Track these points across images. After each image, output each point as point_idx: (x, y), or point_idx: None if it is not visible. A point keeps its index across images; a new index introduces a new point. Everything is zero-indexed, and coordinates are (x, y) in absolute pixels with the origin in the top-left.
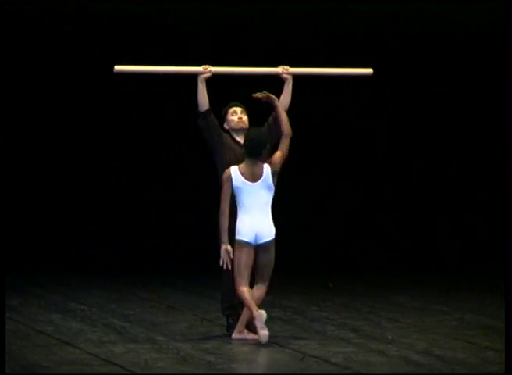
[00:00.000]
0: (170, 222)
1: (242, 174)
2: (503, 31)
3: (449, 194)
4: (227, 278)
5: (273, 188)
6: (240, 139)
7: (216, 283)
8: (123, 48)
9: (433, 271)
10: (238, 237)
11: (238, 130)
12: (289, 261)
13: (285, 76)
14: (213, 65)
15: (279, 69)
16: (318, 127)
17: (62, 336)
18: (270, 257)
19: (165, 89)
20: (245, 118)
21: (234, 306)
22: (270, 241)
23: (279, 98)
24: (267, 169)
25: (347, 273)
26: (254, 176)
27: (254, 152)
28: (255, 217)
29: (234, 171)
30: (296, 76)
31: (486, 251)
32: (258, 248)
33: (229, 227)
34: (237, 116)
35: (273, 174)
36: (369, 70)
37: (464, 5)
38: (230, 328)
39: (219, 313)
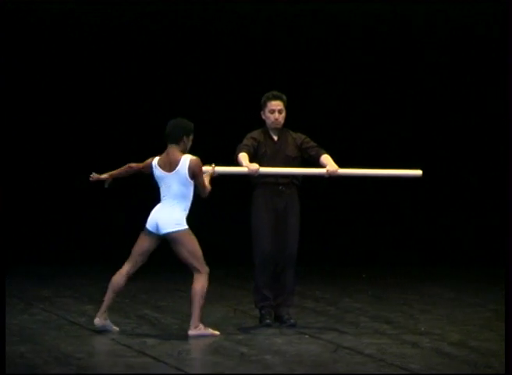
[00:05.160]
0: (202, 214)
1: (159, 165)
2: (503, 31)
3: (481, 187)
4: (260, 270)
5: (189, 183)
6: (274, 135)
7: (249, 274)
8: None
9: (466, 263)
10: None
11: (273, 129)
12: (323, 252)
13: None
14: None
15: (324, 171)
16: (326, 126)
17: (95, 327)
18: (181, 249)
19: (163, 92)
20: (282, 116)
21: (266, 298)
22: (172, 233)
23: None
24: (185, 161)
25: (380, 265)
26: (169, 166)
27: (170, 137)
28: (162, 207)
29: (154, 162)
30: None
31: None
32: (167, 240)
33: None
34: (274, 116)
35: (191, 175)
36: (418, 172)
37: (464, 5)
38: (263, 319)
39: (252, 304)
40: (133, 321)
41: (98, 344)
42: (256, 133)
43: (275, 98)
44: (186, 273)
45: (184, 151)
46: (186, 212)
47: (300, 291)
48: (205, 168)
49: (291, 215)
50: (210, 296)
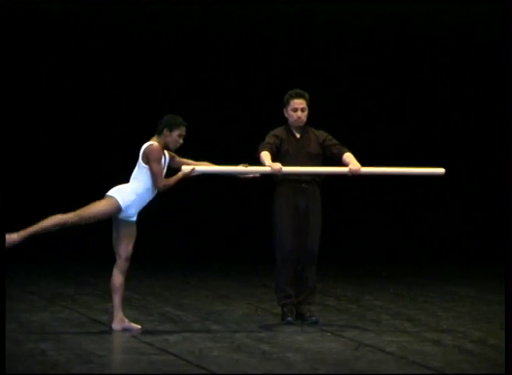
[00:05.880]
0: (223, 211)
1: None
2: (503, 31)
3: (497, 184)
4: (281, 269)
5: (142, 167)
6: (297, 133)
7: (271, 272)
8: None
9: (488, 260)
10: None
11: (295, 127)
12: (343, 251)
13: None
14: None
15: (346, 170)
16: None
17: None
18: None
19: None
20: (304, 114)
21: (289, 296)
22: (106, 195)
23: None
24: (144, 147)
25: (401, 263)
26: None
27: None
28: None
29: None
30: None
31: None
32: None
33: None
34: (297, 114)
35: (145, 159)
36: (441, 170)
37: (464, 5)
38: (285, 317)
39: (274, 302)
40: (155, 318)
41: (120, 342)
42: (278, 131)
43: (298, 96)
44: (210, 271)
45: (163, 143)
46: (135, 195)
47: (321, 288)
48: (184, 167)
49: (313, 213)
50: (232, 294)
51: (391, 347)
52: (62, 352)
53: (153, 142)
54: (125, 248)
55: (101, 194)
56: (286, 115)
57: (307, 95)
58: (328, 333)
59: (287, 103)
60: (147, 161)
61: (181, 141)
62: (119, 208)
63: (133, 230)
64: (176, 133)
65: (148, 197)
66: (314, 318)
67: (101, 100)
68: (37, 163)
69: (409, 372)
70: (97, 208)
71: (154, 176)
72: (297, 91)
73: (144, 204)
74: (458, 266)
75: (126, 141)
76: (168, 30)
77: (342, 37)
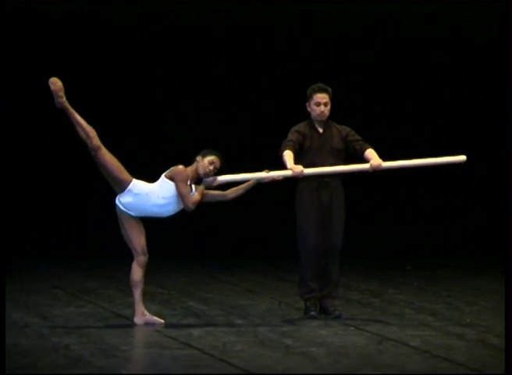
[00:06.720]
0: (249, 206)
1: None
2: (503, 31)
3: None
4: (305, 264)
5: (163, 179)
6: (319, 128)
7: (294, 266)
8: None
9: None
10: None
11: (318, 121)
12: (367, 244)
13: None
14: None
15: (368, 166)
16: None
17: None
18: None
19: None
20: (327, 109)
21: (312, 290)
22: None
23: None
24: (172, 168)
25: (425, 257)
26: None
27: None
28: None
29: None
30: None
31: None
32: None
33: None
34: (319, 108)
35: (168, 176)
36: (462, 157)
37: (463, 5)
38: (308, 311)
39: (297, 297)
40: (178, 313)
41: (144, 336)
42: (301, 126)
43: (321, 90)
44: (234, 265)
45: (194, 171)
46: (145, 193)
47: (344, 282)
48: (205, 179)
49: (336, 207)
50: (256, 288)
51: (414, 341)
52: (86, 347)
53: (180, 165)
54: (137, 242)
55: (100, 195)
56: (308, 109)
57: (329, 89)
58: (352, 328)
59: (310, 97)
60: (170, 178)
61: (211, 168)
62: (126, 183)
63: (138, 223)
64: (207, 158)
65: (153, 207)
66: (337, 312)
67: (100, 100)
68: (36, 164)
69: (432, 366)
70: (115, 161)
71: (182, 196)
72: (320, 85)
73: (144, 209)
74: (481, 260)
75: (125, 140)
76: (168, 30)
77: (342, 37)
